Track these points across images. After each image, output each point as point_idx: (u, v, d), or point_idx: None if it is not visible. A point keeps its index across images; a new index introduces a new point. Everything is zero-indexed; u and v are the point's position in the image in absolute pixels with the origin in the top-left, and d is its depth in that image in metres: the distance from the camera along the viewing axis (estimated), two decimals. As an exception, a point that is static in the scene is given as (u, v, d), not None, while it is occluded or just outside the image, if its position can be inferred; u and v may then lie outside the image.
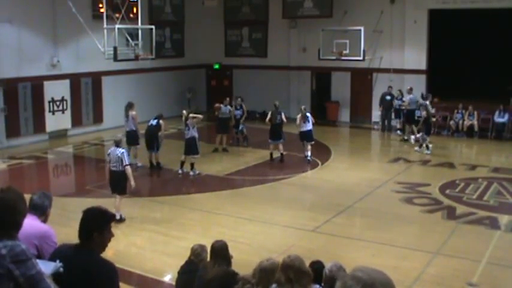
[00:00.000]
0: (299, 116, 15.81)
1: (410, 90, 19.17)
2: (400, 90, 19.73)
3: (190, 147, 14.10)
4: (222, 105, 17.15)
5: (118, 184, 10.60)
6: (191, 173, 14.16)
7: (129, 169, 10.57)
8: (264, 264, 4.62)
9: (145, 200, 12.63)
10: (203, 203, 12.02)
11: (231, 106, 17.64)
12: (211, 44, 24.48)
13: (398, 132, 19.36)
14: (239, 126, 17.77)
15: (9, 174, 15.00)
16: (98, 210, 3.76)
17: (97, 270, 3.54)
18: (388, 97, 19.91)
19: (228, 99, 17.81)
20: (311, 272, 4.39)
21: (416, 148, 16.66)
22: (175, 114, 19.16)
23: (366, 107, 22.00)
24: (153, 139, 14.62)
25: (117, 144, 10.73)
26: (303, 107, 16.46)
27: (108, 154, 10.82)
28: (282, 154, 15.58)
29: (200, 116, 15.08)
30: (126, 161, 10.50)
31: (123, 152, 10.52)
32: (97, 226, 3.61)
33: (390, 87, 20.13)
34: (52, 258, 3.73)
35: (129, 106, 14.90)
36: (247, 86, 23.12)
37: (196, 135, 14.18)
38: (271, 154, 15.71)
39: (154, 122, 14.84)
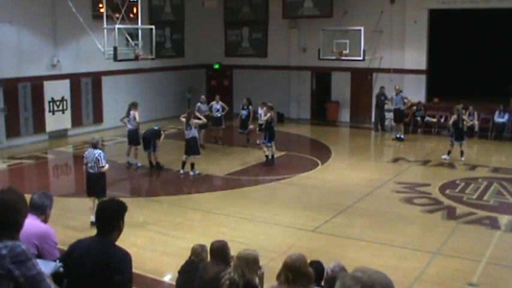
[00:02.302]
0: (264, 109, 15.64)
1: (399, 90, 19.16)
2: (398, 87, 19.51)
3: (192, 148, 14.09)
4: (199, 103, 17.51)
5: (96, 186, 10.20)
6: (191, 173, 14.15)
7: (105, 170, 10.29)
8: (241, 253, 4.82)
9: (145, 200, 12.63)
10: (203, 203, 12.02)
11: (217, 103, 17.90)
12: (211, 44, 24.47)
13: (398, 135, 19.16)
14: (246, 126, 17.76)
15: (9, 174, 15.00)
16: (116, 201, 3.98)
17: (113, 257, 3.70)
18: (382, 98, 19.89)
19: (218, 96, 18.31)
20: (312, 273, 4.40)
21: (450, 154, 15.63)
22: (175, 114, 19.16)
23: (366, 107, 21.97)
24: (149, 140, 14.65)
25: (94, 145, 10.38)
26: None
27: (85, 156, 10.46)
28: (272, 155, 15.47)
29: (204, 120, 14.94)
30: (103, 162, 10.20)
31: (100, 153, 10.24)
32: (122, 215, 3.85)
33: (382, 87, 20.06)
34: (69, 251, 3.90)
35: (133, 105, 14.91)
36: (247, 86, 23.10)
37: (197, 135, 14.19)
38: (272, 156, 15.39)
39: (156, 127, 14.97)
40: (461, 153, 15.44)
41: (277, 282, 4.39)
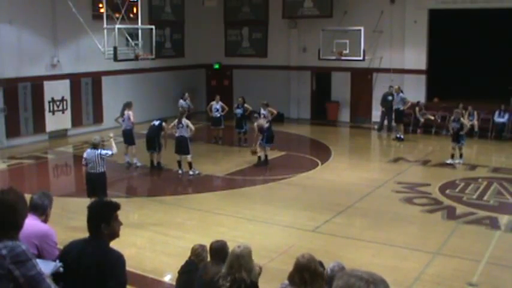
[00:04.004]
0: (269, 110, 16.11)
1: (398, 90, 19.16)
2: (398, 87, 19.51)
3: (181, 147, 14.00)
4: (181, 100, 18.31)
5: (97, 187, 10.14)
6: (191, 172, 14.13)
7: (116, 152, 10.99)
8: (237, 251, 4.85)
9: (145, 200, 12.63)
10: (203, 203, 12.01)
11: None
12: (211, 44, 24.48)
13: (398, 135, 19.14)
14: (241, 125, 17.80)
15: (9, 174, 15.00)
16: (101, 202, 3.96)
17: (107, 260, 3.66)
18: (390, 97, 19.83)
19: (218, 96, 18.53)
20: (325, 274, 4.37)
21: (459, 161, 15.34)
22: (175, 114, 19.15)
23: (366, 107, 22.00)
24: (154, 140, 14.59)
25: (95, 146, 10.35)
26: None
27: (85, 157, 10.41)
28: (266, 156, 15.44)
29: (193, 129, 14.64)
30: (109, 152, 10.45)
31: (99, 153, 10.24)
32: (103, 218, 3.75)
33: (391, 86, 19.98)
34: (64, 253, 3.87)
35: (127, 105, 14.92)
36: (247, 86, 23.13)
37: (186, 134, 13.99)
38: (266, 156, 15.23)
39: (156, 123, 14.84)
40: (461, 155, 15.42)
41: (287, 282, 4.36)
